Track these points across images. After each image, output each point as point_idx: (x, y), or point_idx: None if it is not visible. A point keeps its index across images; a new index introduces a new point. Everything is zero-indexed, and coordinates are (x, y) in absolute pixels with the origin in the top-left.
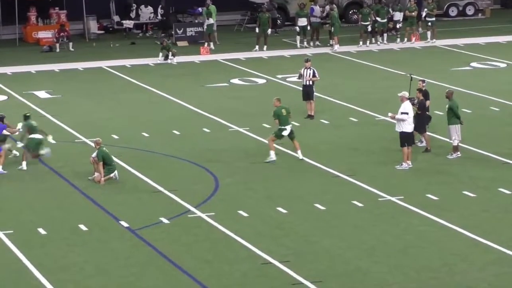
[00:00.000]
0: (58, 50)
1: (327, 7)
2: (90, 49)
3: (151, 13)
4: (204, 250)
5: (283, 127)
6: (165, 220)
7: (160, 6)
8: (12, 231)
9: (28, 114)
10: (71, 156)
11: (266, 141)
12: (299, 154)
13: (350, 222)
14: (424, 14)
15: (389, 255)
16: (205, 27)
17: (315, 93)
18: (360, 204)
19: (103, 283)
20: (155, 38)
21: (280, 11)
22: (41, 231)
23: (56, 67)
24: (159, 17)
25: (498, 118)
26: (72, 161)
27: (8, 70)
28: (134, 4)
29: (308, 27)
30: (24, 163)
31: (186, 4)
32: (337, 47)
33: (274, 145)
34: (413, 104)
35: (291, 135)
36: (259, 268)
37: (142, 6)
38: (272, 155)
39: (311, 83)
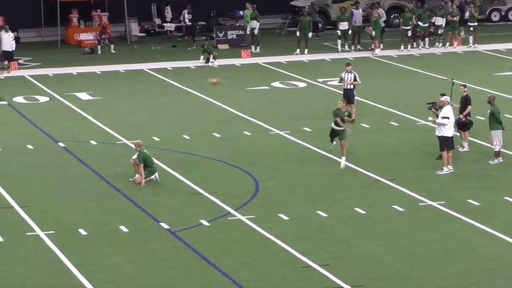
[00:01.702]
0: (99, 52)
1: (376, 11)
2: (131, 51)
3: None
4: (244, 253)
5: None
6: (205, 223)
7: (186, 11)
8: (53, 232)
9: None
10: (111, 157)
11: (307, 145)
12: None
13: (390, 226)
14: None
15: (429, 260)
16: (255, 31)
17: (356, 97)
18: (400, 209)
19: (143, 284)
20: (187, 44)
21: (321, 14)
22: (82, 232)
23: (97, 69)
24: (188, 22)
25: None
26: (112, 163)
27: (50, 71)
28: (167, 8)
29: (349, 31)
30: None
31: (227, 7)
32: (378, 51)
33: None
34: (435, 109)
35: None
36: (299, 272)
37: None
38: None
39: (352, 87)
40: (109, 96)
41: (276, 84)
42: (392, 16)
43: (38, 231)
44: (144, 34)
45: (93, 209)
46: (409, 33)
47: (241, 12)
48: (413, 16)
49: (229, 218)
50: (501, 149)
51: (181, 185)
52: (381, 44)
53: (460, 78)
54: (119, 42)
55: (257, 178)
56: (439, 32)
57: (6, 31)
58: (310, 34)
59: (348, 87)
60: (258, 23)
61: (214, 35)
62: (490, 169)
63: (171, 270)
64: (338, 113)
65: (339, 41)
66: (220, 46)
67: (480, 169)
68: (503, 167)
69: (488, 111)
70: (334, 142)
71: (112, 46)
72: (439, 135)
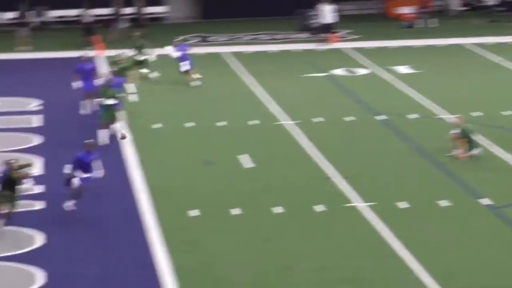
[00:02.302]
0: (420, 25)
1: None
2: (451, 25)
3: None
4: None
5: None
6: None
7: None
8: (371, 204)
9: None
10: (430, 131)
11: None
12: None
13: None
14: None
15: None
16: None
17: None
18: None
19: (458, 260)
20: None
21: None
22: (401, 204)
23: (416, 42)
24: None
25: None
26: (432, 137)
27: (370, 44)
28: None
29: None
30: None
31: None
32: None
33: None
34: None
35: None
36: None
37: None
38: None
39: None
40: (428, 71)
41: None
42: None
43: (355, 202)
44: (464, 8)
45: (412, 182)
46: None
47: None
48: None
49: None
50: None
51: (501, 161)
52: None
53: None
54: (439, 16)
55: None
56: None
57: (328, 4)
58: None
59: None
60: None
61: None
62: None
63: (492, 248)
64: None
65: None
66: None
67: None
68: None
69: None
70: None
71: (432, 20)
72: None
